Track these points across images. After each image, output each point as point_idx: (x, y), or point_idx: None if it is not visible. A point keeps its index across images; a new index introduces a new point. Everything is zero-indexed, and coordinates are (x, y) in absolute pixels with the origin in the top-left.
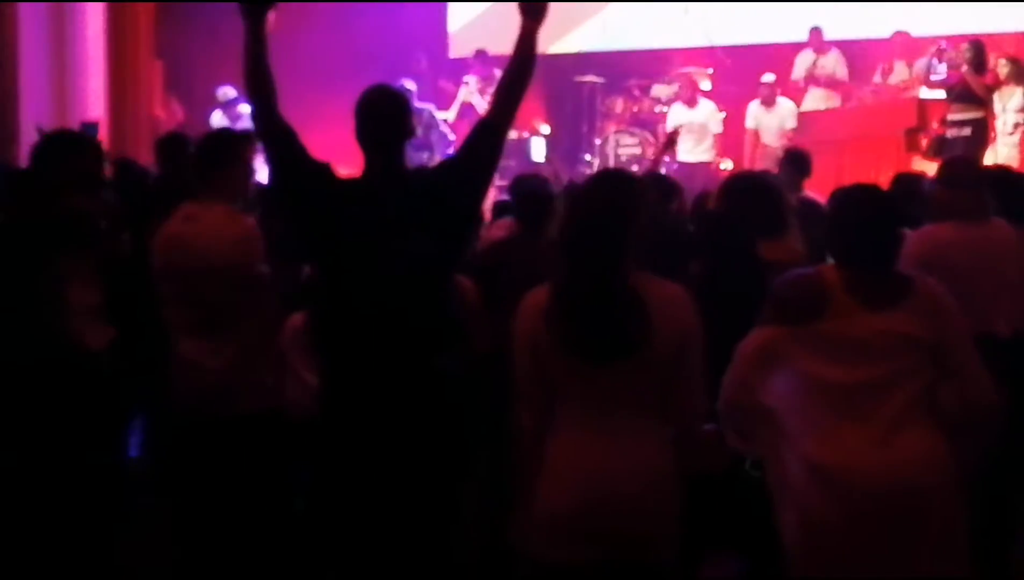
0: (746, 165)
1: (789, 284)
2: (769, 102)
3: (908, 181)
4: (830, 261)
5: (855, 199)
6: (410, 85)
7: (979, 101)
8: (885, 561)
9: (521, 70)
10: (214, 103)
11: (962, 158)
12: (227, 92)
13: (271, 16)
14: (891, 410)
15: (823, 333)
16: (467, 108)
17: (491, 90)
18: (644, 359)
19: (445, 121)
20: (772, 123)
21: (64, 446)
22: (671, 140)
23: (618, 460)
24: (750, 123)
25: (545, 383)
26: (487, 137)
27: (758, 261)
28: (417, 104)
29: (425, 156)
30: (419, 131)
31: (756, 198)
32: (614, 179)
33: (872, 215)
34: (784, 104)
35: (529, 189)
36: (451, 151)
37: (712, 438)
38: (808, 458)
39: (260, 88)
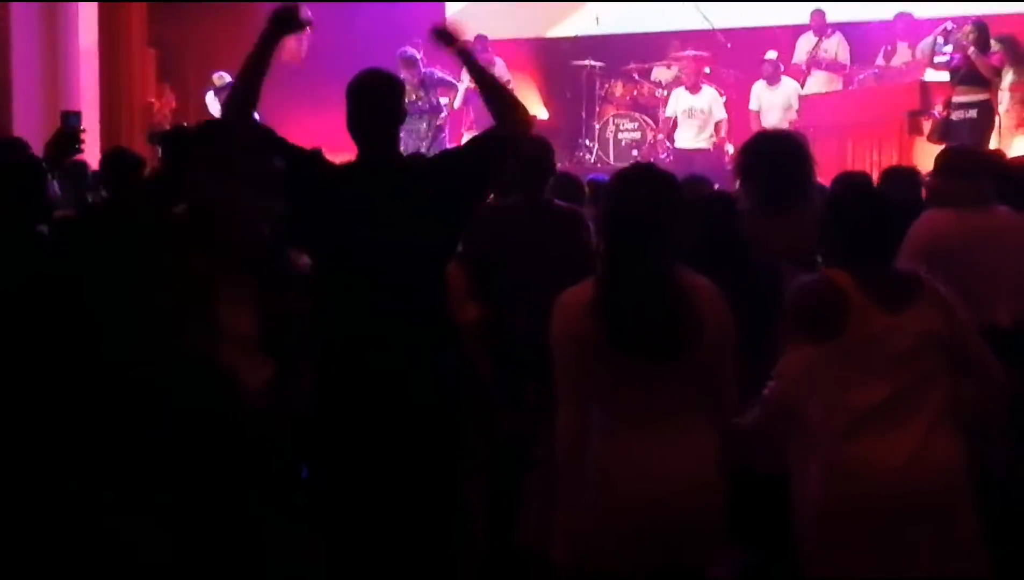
0: None
1: (807, 298)
2: (773, 80)
3: (898, 176)
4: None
5: (850, 198)
6: (413, 51)
7: (985, 83)
8: (912, 564)
9: (489, 91)
10: (207, 88)
11: (960, 147)
12: (223, 76)
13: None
14: (921, 417)
15: (851, 346)
16: (471, 94)
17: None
18: (692, 356)
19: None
20: (776, 101)
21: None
22: None
23: (669, 462)
24: (753, 104)
25: (588, 384)
26: (495, 148)
27: (743, 249)
28: (423, 68)
29: (427, 123)
30: (421, 94)
31: (772, 164)
32: (653, 173)
33: (870, 212)
34: (788, 83)
35: (528, 152)
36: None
37: (751, 434)
38: (838, 465)
39: (245, 97)
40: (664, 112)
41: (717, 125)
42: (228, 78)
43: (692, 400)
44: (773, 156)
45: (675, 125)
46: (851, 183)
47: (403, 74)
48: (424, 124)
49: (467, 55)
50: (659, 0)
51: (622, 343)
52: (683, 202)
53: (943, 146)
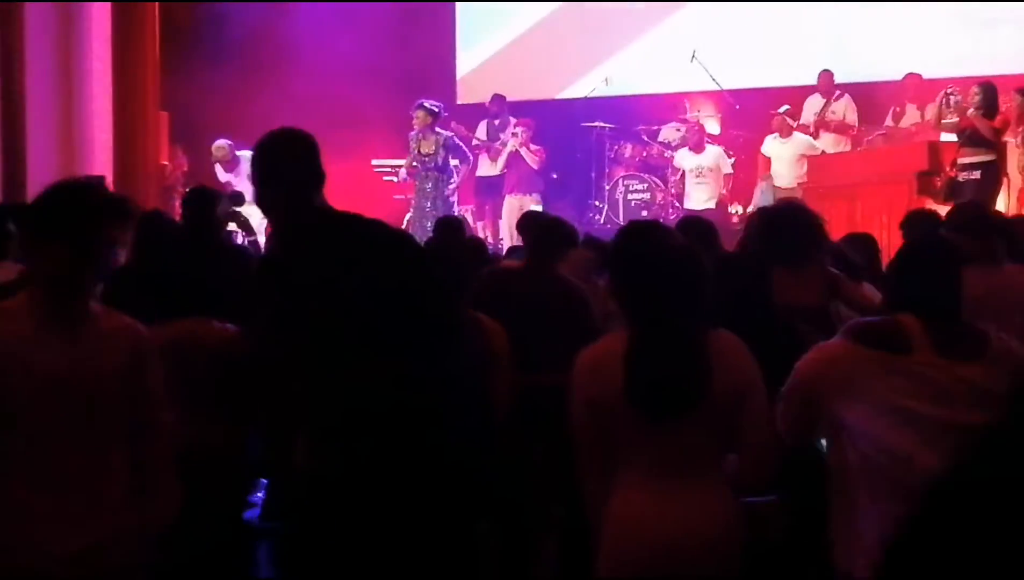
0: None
1: (869, 321)
2: (784, 132)
3: (921, 219)
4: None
5: (929, 247)
6: (431, 105)
7: (988, 144)
8: None
9: None
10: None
11: (971, 203)
12: (222, 145)
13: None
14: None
15: (906, 367)
16: (514, 158)
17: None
18: (715, 411)
19: (467, 147)
20: (786, 154)
21: None
22: None
23: (686, 519)
24: (765, 151)
25: (610, 440)
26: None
27: (771, 305)
28: (439, 129)
29: (432, 183)
30: (440, 156)
31: (791, 229)
32: (666, 234)
33: (946, 263)
34: (799, 137)
35: (544, 222)
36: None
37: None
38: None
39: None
40: (672, 172)
41: (724, 179)
42: (225, 146)
43: (713, 457)
44: (789, 216)
45: (683, 184)
46: (924, 231)
47: (418, 124)
48: (430, 184)
49: None
50: (667, 61)
51: (645, 398)
52: (703, 262)
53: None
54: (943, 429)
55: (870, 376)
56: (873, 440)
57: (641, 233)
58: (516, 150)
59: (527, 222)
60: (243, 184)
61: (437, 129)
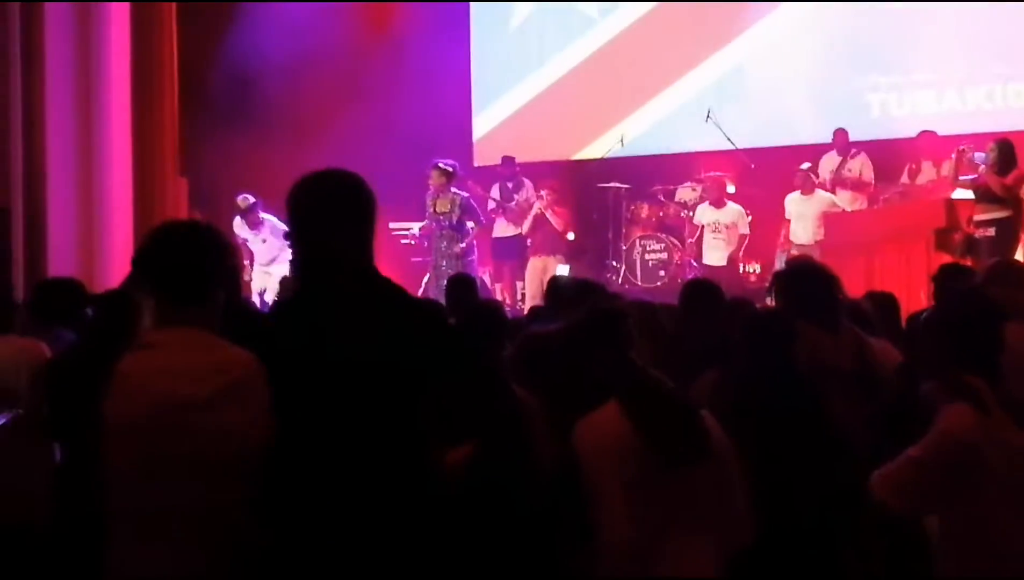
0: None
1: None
2: (807, 189)
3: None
4: None
5: (980, 308)
6: (446, 165)
7: (1003, 201)
8: None
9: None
10: (234, 214)
11: (1007, 260)
12: (247, 198)
13: None
14: None
15: (992, 493)
16: (540, 220)
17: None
18: (706, 470)
19: (481, 209)
20: (809, 211)
21: None
22: None
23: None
24: (788, 212)
25: (623, 493)
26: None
27: (797, 369)
28: (453, 190)
29: (447, 242)
30: (455, 215)
31: (814, 289)
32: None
33: (995, 321)
34: (821, 194)
35: (582, 285)
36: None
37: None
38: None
39: None
40: (688, 232)
41: (740, 239)
42: (252, 200)
43: (708, 518)
44: (809, 273)
45: (700, 242)
46: (959, 285)
47: (434, 184)
48: (445, 242)
49: None
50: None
51: (659, 444)
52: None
53: (968, 263)
54: None
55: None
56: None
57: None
58: (542, 212)
59: (561, 286)
60: (258, 245)
61: (453, 189)
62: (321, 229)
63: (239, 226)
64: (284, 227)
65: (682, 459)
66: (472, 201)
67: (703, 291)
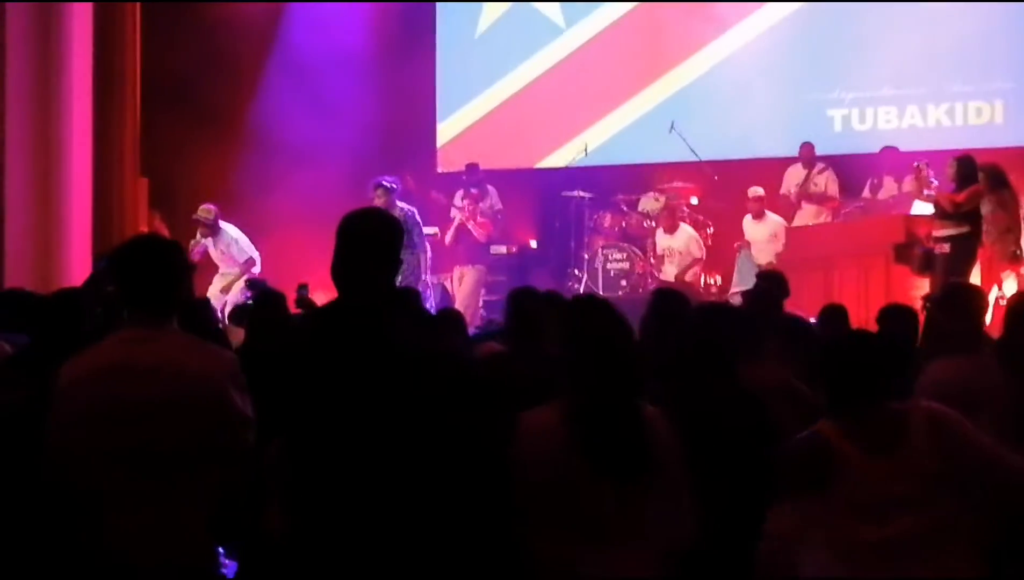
0: (735, 280)
1: (792, 455)
2: (758, 216)
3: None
4: None
5: (838, 341)
6: (389, 183)
7: (960, 218)
8: None
9: None
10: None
11: (954, 286)
12: (209, 210)
13: None
14: (935, 558)
15: (836, 497)
16: (463, 231)
17: (480, 214)
18: (652, 477)
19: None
20: (761, 234)
21: None
22: None
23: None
24: (746, 234)
25: (552, 507)
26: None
27: (737, 385)
28: (399, 203)
29: (408, 255)
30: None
31: (733, 322)
32: (611, 310)
33: (858, 354)
34: (772, 217)
35: (523, 305)
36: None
37: None
38: None
39: None
40: (652, 246)
41: (692, 263)
42: (212, 212)
43: (649, 525)
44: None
45: (661, 260)
46: (836, 326)
47: (379, 202)
48: (407, 254)
49: None
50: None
51: (591, 461)
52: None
53: (926, 278)
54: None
55: (813, 531)
56: None
57: (587, 311)
58: (463, 222)
59: (509, 301)
60: (217, 254)
61: (398, 204)
62: (359, 266)
63: (202, 235)
64: (240, 234)
65: (616, 472)
66: (416, 215)
67: (671, 299)
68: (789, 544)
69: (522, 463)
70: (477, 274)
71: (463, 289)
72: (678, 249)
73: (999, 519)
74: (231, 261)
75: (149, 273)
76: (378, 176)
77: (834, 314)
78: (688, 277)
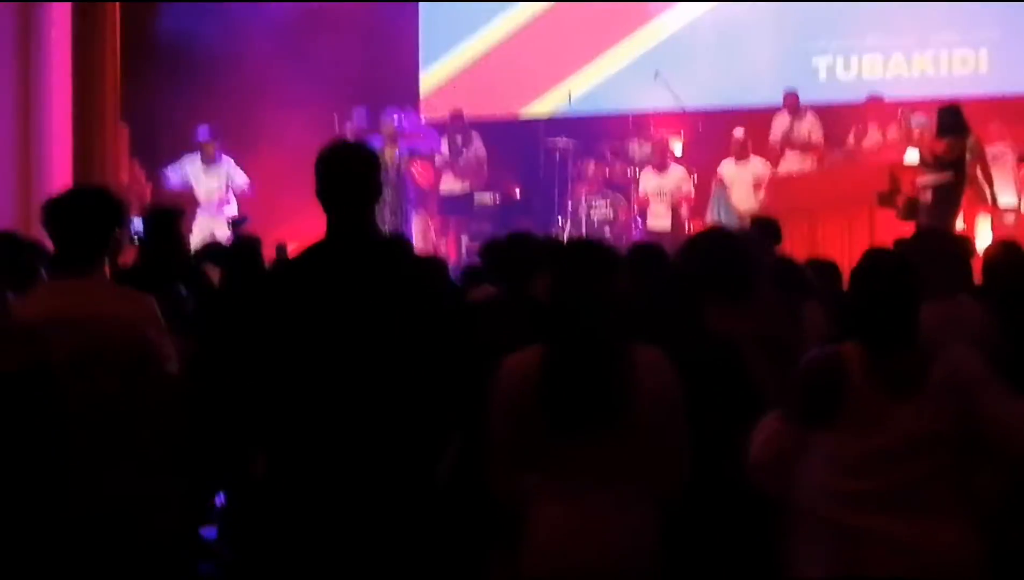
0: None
1: (806, 373)
2: (741, 156)
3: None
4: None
5: (873, 274)
6: (397, 118)
7: (939, 166)
8: None
9: None
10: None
11: (931, 230)
12: (206, 131)
13: None
14: (922, 513)
15: (841, 432)
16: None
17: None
18: (631, 424)
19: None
20: (744, 177)
21: None
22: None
23: (604, 534)
24: (726, 180)
25: (523, 449)
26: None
27: (704, 333)
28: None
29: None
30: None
31: (719, 259)
32: (594, 247)
33: (892, 289)
34: (755, 161)
35: (507, 251)
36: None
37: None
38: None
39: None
40: (635, 191)
41: (684, 199)
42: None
43: (631, 471)
44: (717, 252)
45: (647, 204)
46: (875, 258)
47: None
48: (389, 192)
49: None
50: (630, 79)
51: (556, 410)
52: (622, 275)
53: (912, 225)
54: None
55: (806, 460)
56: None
57: (569, 253)
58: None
59: (491, 247)
60: (211, 184)
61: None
62: (345, 196)
63: (190, 162)
64: (239, 172)
65: (580, 418)
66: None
67: (648, 254)
68: (784, 461)
69: (497, 401)
70: (420, 221)
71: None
72: (670, 189)
73: (1003, 482)
74: (223, 192)
75: (72, 224)
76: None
77: (824, 269)
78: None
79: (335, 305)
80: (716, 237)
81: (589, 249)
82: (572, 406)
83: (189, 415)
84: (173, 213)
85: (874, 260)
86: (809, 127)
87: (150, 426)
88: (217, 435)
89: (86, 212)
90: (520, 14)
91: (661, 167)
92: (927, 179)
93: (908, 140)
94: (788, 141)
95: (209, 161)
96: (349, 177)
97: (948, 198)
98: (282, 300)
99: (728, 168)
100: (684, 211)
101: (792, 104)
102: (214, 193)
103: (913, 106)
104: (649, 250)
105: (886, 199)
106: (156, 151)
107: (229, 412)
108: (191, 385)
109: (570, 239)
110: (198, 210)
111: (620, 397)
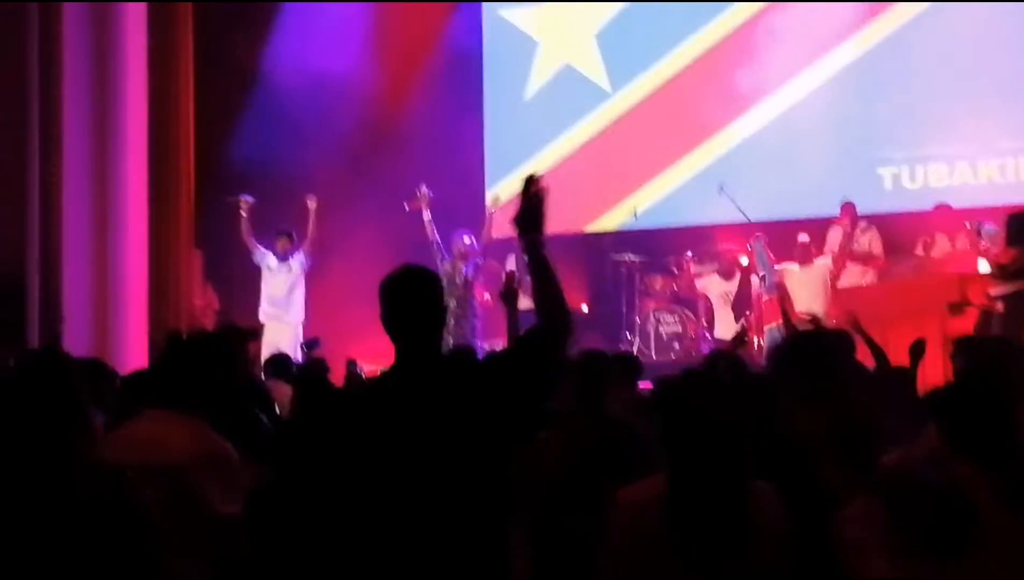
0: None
1: (924, 501)
2: (805, 260)
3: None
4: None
5: (977, 378)
6: (470, 237)
7: (1010, 275)
8: None
9: (548, 286)
10: (254, 284)
11: (984, 337)
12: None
13: None
14: None
15: (973, 566)
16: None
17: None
18: (751, 561)
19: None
20: (807, 280)
21: None
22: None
23: None
24: (790, 287)
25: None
26: (547, 349)
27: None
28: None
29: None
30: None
31: (804, 352)
32: (712, 385)
33: (998, 394)
34: (820, 262)
35: (581, 368)
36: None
37: None
38: None
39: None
40: (703, 306)
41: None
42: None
43: None
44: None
45: (712, 314)
46: (976, 362)
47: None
48: (454, 302)
49: (538, 245)
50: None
51: (686, 548)
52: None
53: None
54: None
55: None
56: None
57: (690, 385)
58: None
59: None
60: (281, 275)
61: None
62: (410, 325)
63: (264, 255)
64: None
65: (707, 560)
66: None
67: (727, 363)
68: None
69: (615, 538)
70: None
71: None
72: (735, 293)
73: None
74: (292, 282)
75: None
76: (459, 229)
77: (897, 377)
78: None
79: (403, 442)
80: (800, 334)
81: (701, 381)
82: (702, 543)
83: (244, 553)
84: (246, 334)
85: (977, 377)
86: (869, 240)
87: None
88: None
89: (197, 357)
90: (584, 131)
91: (728, 274)
92: (999, 289)
93: (977, 249)
94: (848, 254)
95: (287, 256)
96: (413, 305)
97: (1019, 308)
98: (351, 436)
99: (791, 271)
100: (752, 317)
101: (850, 216)
102: (281, 288)
103: (981, 214)
104: (727, 358)
105: (957, 310)
106: (229, 275)
107: (291, 552)
108: (254, 519)
109: (682, 372)
110: (261, 307)
111: (746, 534)
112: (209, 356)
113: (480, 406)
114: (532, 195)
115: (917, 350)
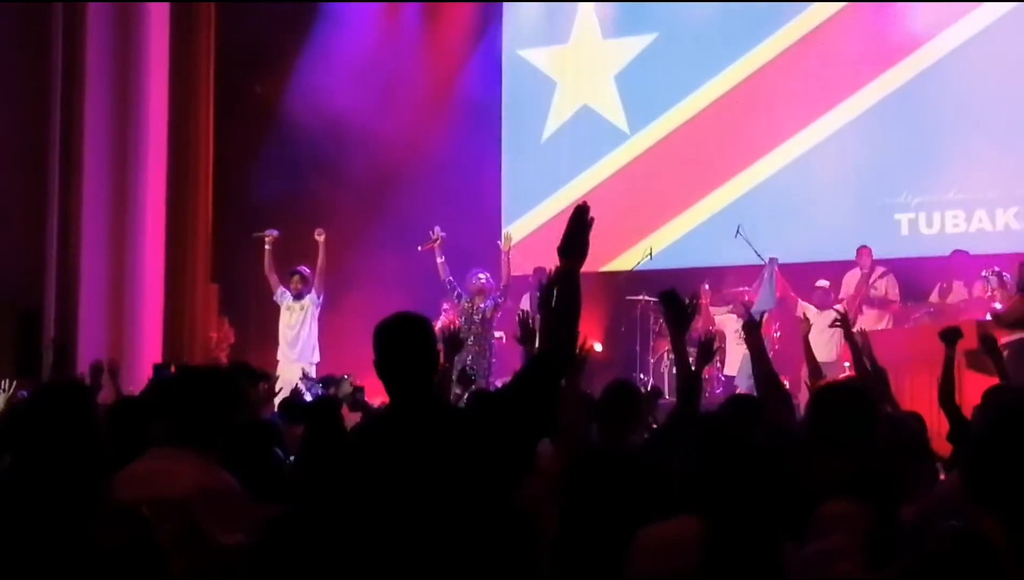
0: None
1: (945, 563)
2: (823, 305)
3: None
4: None
5: (1007, 435)
6: (486, 275)
7: (1015, 324)
8: None
9: (567, 308)
10: (270, 319)
11: (995, 389)
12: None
13: None
14: None
15: None
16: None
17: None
18: None
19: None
20: (823, 323)
21: None
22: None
23: None
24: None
25: None
26: (540, 372)
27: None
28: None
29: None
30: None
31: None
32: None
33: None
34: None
35: (607, 401)
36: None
37: None
38: None
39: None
40: (720, 346)
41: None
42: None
43: None
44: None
45: (724, 353)
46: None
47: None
48: (471, 338)
49: (577, 272)
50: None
51: None
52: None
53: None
54: None
55: None
56: None
57: (727, 428)
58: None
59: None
60: (294, 314)
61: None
62: (404, 365)
63: (284, 294)
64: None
65: None
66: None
67: (747, 408)
68: None
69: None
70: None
71: None
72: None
73: None
74: (298, 332)
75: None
76: (475, 269)
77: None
78: None
79: (393, 488)
80: (829, 387)
81: (748, 422)
82: None
83: None
84: (256, 374)
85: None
86: (885, 285)
87: None
88: None
89: (203, 393)
90: (601, 171)
91: (743, 313)
92: (1007, 337)
93: (994, 296)
94: (864, 298)
95: (302, 294)
96: (403, 353)
97: (1018, 357)
98: (347, 481)
99: (810, 313)
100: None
101: (865, 260)
102: (294, 327)
103: (998, 261)
104: (747, 403)
105: (973, 361)
106: (245, 310)
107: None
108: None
109: (708, 416)
110: (280, 347)
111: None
112: (215, 393)
113: (471, 447)
114: (582, 224)
115: (952, 336)
